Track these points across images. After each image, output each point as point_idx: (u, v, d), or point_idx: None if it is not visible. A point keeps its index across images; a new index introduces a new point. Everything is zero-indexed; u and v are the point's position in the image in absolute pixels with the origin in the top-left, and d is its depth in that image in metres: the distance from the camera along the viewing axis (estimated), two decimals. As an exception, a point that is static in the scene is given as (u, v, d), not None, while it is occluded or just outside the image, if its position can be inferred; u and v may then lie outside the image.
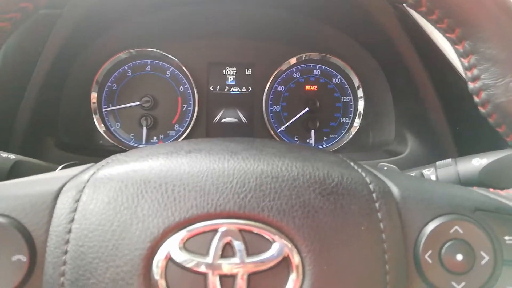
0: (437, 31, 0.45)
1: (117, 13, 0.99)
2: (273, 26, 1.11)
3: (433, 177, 0.66)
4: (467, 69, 0.44)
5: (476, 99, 0.44)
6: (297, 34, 1.12)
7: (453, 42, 0.44)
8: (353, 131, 1.16)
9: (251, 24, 1.11)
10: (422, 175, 0.68)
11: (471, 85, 0.44)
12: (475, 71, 0.43)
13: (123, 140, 1.14)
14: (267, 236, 0.38)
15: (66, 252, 0.38)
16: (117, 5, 0.95)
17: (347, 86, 1.18)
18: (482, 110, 0.44)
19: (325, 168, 0.42)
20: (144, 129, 1.13)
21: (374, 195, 0.41)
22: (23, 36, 0.86)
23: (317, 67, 1.18)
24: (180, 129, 1.16)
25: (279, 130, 1.17)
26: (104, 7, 0.92)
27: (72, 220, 0.39)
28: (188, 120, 1.15)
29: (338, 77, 1.18)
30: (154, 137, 1.15)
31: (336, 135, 1.18)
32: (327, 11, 1.01)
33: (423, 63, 0.89)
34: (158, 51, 1.12)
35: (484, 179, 0.62)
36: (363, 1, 0.89)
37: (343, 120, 1.18)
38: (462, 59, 0.44)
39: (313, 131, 1.16)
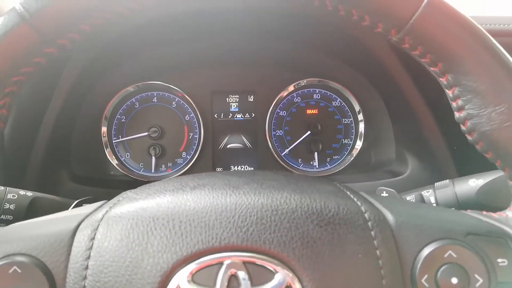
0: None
1: (123, 51, 1.04)
2: (273, 55, 1.15)
3: (432, 199, 0.68)
4: (452, 99, 0.47)
5: (462, 127, 0.46)
6: (297, 62, 1.16)
7: (437, 75, 0.47)
8: (355, 152, 1.18)
9: (252, 53, 1.16)
10: (421, 196, 0.70)
11: (457, 115, 0.47)
12: (460, 102, 0.45)
13: (133, 169, 1.17)
14: (269, 267, 0.40)
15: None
16: (123, 44, 1.00)
17: (347, 108, 1.21)
18: (469, 138, 0.46)
19: (322, 199, 0.45)
20: (153, 158, 1.17)
21: (369, 223, 0.43)
22: (36, 78, 0.91)
23: (317, 91, 1.21)
24: (188, 156, 1.19)
25: (283, 154, 1.20)
26: (111, 47, 0.97)
27: (88, 257, 0.42)
28: (195, 147, 1.19)
29: (338, 100, 1.21)
30: (163, 165, 1.19)
31: (339, 157, 1.21)
32: (326, 43, 1.05)
33: (418, 86, 0.92)
34: (163, 83, 1.16)
35: (481, 200, 0.64)
36: (360, 33, 0.92)
37: (345, 141, 1.21)
38: (447, 91, 0.47)
39: (316, 153, 1.19)
